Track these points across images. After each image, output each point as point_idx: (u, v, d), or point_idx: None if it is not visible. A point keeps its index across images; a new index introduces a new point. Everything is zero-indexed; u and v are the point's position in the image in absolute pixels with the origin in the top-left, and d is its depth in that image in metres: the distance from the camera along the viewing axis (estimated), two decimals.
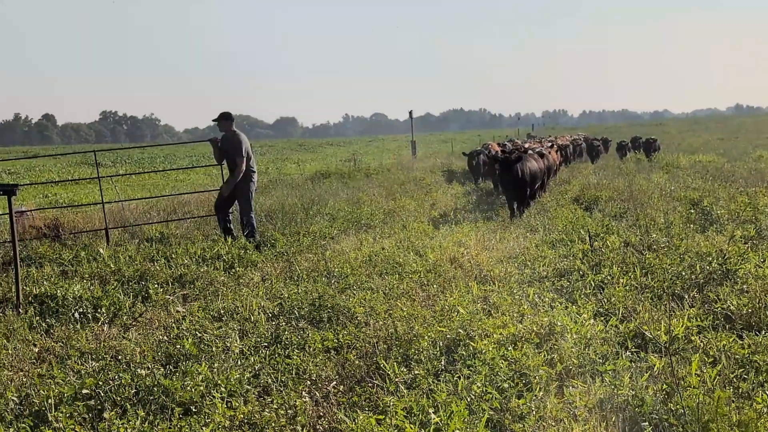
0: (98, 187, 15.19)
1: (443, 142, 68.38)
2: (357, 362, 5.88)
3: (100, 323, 7.41)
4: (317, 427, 4.77)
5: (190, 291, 8.76)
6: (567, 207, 15.10)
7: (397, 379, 5.33)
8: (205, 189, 18.03)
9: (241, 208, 12.65)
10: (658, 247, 9.30)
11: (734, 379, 5.01)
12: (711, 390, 4.68)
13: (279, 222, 13.87)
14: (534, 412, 4.61)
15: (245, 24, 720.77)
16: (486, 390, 4.90)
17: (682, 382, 4.80)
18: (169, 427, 4.70)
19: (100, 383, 5.35)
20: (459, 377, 5.19)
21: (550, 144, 22.75)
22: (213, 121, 12.77)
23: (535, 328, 6.08)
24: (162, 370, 5.67)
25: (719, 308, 6.57)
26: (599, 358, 5.51)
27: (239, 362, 5.84)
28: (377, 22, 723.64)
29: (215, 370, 5.53)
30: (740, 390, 4.85)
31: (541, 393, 4.89)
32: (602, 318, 6.52)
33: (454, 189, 20.52)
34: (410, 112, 45.70)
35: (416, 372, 5.44)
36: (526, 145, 21.81)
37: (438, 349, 5.94)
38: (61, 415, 4.87)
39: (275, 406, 4.92)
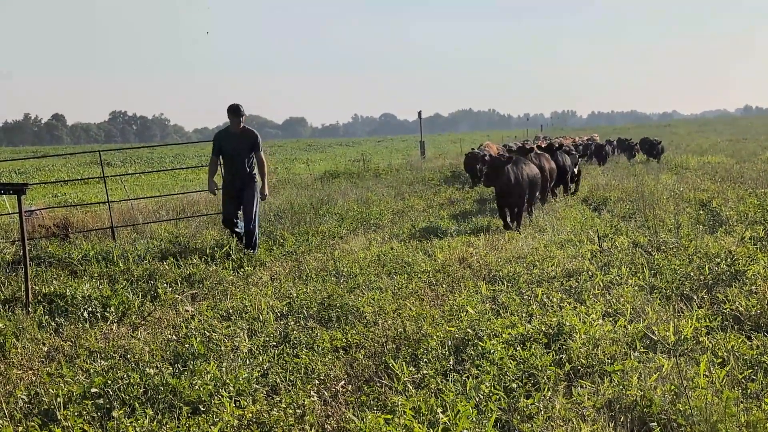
0: (107, 186, 15.19)
1: (452, 143, 68.46)
2: (365, 362, 5.88)
3: (109, 322, 7.43)
4: (326, 426, 4.78)
5: (198, 290, 8.77)
6: (576, 207, 15.08)
7: (405, 379, 5.33)
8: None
9: (250, 215, 11.12)
10: (667, 248, 9.28)
11: (743, 380, 4.99)
12: (719, 391, 4.67)
13: (288, 221, 13.88)
14: (542, 412, 4.61)
15: (255, 24, 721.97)
16: (494, 390, 4.90)
17: (691, 383, 4.78)
18: (178, 426, 4.71)
19: (109, 382, 5.36)
20: (467, 377, 5.20)
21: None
22: (229, 116, 11.07)
23: (543, 328, 6.08)
24: (170, 369, 5.68)
25: (728, 309, 6.54)
26: (608, 359, 5.51)
27: (248, 361, 5.85)
28: (387, 22, 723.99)
29: (224, 369, 5.54)
30: (749, 391, 4.83)
31: (550, 393, 4.89)
32: (611, 318, 6.50)
33: (464, 189, 20.49)
34: (419, 113, 45.79)
35: (425, 372, 5.44)
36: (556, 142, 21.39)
37: (446, 348, 5.94)
38: (69, 413, 4.88)
39: (284, 406, 4.92)
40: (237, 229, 11.27)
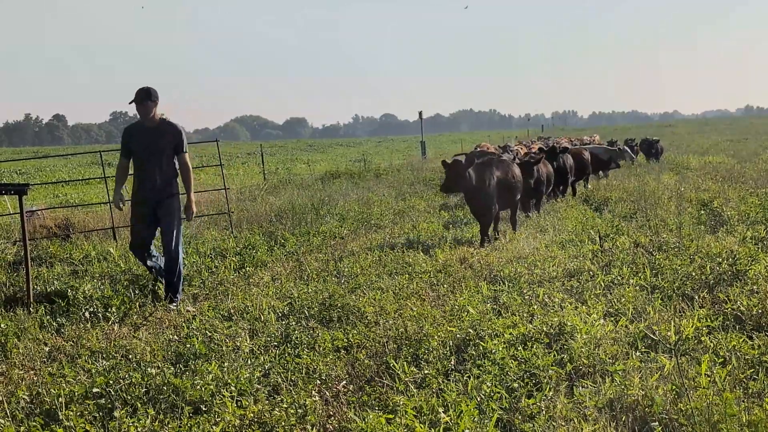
0: (107, 187, 15.19)
1: (453, 143, 68.43)
2: (367, 362, 5.88)
3: (110, 322, 7.43)
4: (327, 426, 4.78)
5: (199, 290, 8.77)
6: (577, 208, 15.06)
7: (406, 379, 5.33)
8: (214, 188, 18.06)
9: (170, 239, 8.49)
10: (668, 248, 9.26)
11: (744, 380, 4.99)
12: (721, 390, 4.67)
13: (289, 222, 13.88)
14: (544, 412, 4.62)
15: (255, 25, 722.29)
16: (496, 390, 4.90)
17: (692, 383, 4.79)
18: (179, 426, 4.71)
19: (111, 382, 5.36)
20: (469, 377, 5.20)
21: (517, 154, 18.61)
22: (131, 102, 8.28)
23: (545, 328, 6.08)
24: (172, 369, 5.68)
25: (729, 309, 6.54)
26: (609, 358, 5.51)
27: (249, 361, 5.85)
28: (388, 22, 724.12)
29: (225, 369, 5.54)
30: (750, 390, 4.84)
31: (551, 393, 4.90)
32: (612, 318, 6.51)
33: None
34: (420, 113, 45.80)
35: (426, 371, 5.44)
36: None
37: (448, 348, 5.94)
38: (71, 413, 4.88)
39: (285, 406, 4.92)
40: (149, 262, 8.71)
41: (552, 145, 18.88)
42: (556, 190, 16.86)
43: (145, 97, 8.26)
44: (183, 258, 8.72)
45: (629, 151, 22.47)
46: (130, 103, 8.27)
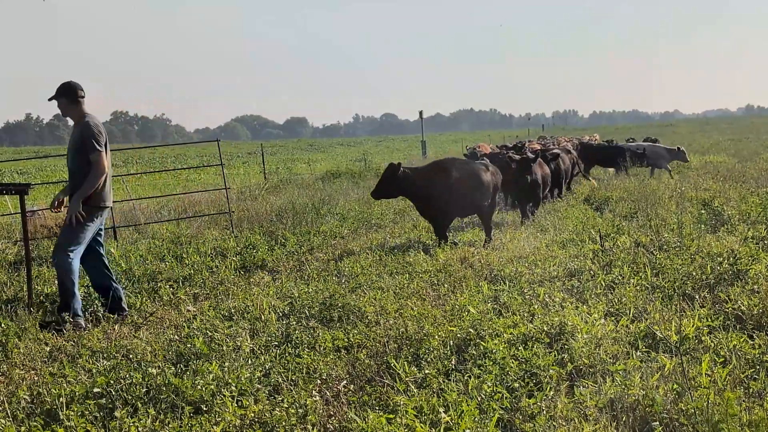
0: None
1: (454, 142, 68.34)
2: (367, 361, 5.88)
3: (111, 322, 7.42)
4: (328, 426, 4.77)
5: (200, 290, 8.77)
6: (577, 207, 15.05)
7: (407, 379, 5.32)
8: (215, 188, 18.07)
9: (57, 242, 7.80)
10: (669, 248, 9.25)
11: (745, 379, 4.99)
12: (721, 390, 4.66)
13: (289, 221, 13.88)
14: (544, 412, 4.61)
15: (255, 25, 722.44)
16: (496, 389, 4.90)
17: (693, 382, 4.79)
18: (180, 426, 4.71)
19: (111, 382, 5.36)
20: (469, 377, 5.19)
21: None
22: (51, 99, 7.72)
23: (545, 328, 6.08)
24: (173, 369, 5.67)
25: (730, 308, 6.53)
26: (610, 358, 5.51)
27: (250, 361, 5.84)
28: (388, 22, 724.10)
29: (226, 369, 5.53)
30: (751, 390, 4.84)
31: (552, 392, 4.89)
32: (613, 318, 6.50)
33: None
34: (420, 113, 45.78)
35: (427, 371, 5.43)
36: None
37: (448, 348, 5.94)
38: (72, 413, 4.88)
39: (286, 405, 4.92)
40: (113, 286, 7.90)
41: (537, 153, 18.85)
42: (554, 191, 16.91)
43: (57, 94, 7.64)
44: (71, 269, 7.50)
45: (681, 151, 23.04)
46: (49, 99, 7.64)
